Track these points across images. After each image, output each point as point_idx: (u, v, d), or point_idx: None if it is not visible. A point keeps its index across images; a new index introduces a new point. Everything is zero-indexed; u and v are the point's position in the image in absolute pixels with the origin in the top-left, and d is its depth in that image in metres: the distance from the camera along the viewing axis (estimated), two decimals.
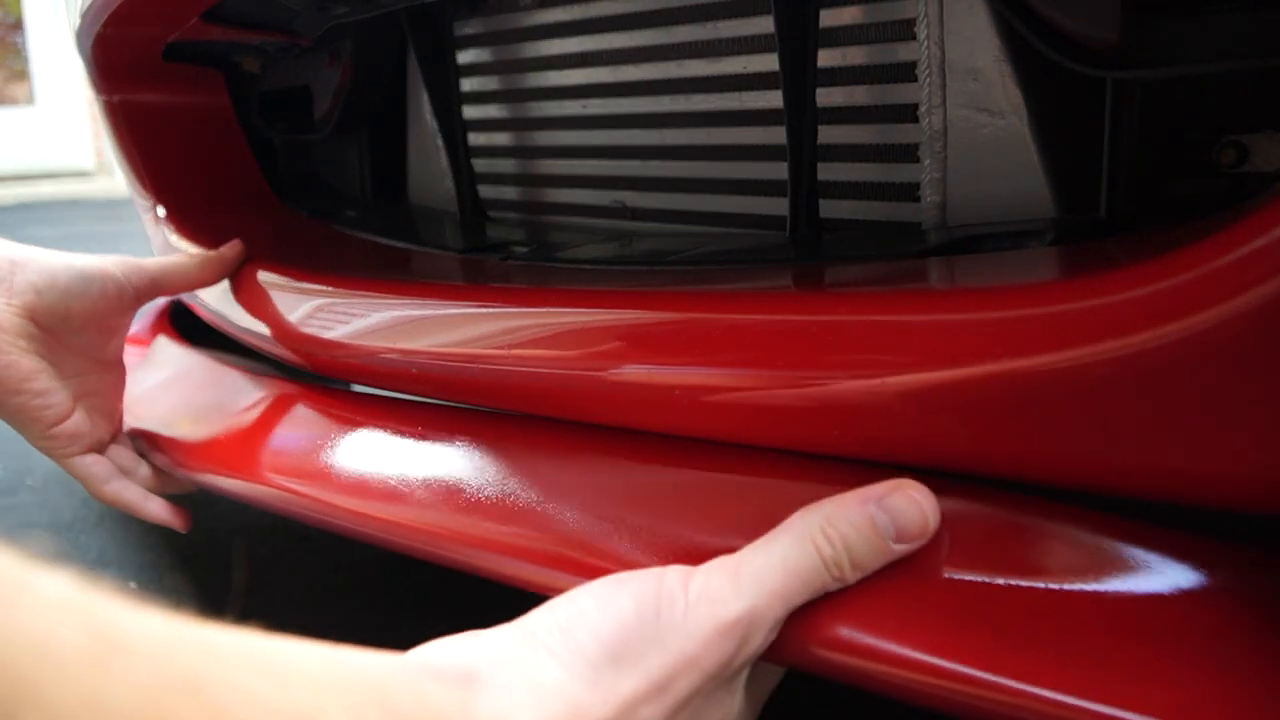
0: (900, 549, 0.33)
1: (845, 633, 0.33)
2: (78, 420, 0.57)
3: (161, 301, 0.91)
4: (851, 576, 0.33)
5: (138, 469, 0.62)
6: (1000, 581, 0.33)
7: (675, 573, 0.33)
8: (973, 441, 0.33)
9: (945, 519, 0.34)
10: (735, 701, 0.34)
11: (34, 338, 0.54)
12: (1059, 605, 0.31)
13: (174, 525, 0.62)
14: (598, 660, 0.29)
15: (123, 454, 0.62)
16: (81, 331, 0.57)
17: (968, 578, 0.33)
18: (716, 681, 0.32)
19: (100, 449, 0.59)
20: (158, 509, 0.61)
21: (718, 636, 0.31)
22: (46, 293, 0.54)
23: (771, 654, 0.34)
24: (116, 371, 0.62)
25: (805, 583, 0.33)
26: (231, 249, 0.65)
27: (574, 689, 0.28)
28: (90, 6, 0.65)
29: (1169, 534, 0.32)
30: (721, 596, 0.32)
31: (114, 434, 0.62)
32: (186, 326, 0.84)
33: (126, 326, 0.61)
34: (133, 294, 0.59)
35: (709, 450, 0.41)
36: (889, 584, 0.34)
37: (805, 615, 0.34)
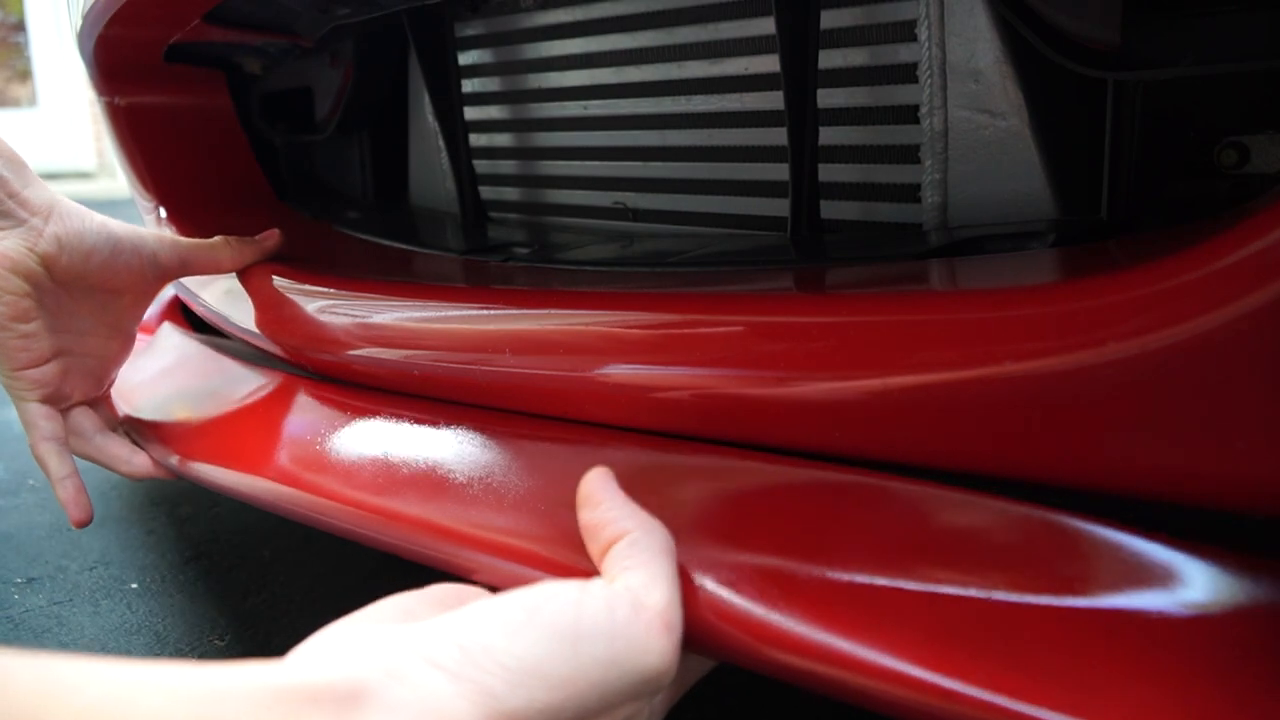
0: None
1: (798, 632, 0.33)
2: (48, 371, 0.57)
3: (171, 291, 0.92)
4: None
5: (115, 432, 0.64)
6: (974, 584, 0.32)
7: (597, 601, 0.31)
8: (973, 442, 0.33)
9: (918, 515, 0.34)
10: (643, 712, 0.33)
11: (43, 286, 0.55)
12: (1028, 610, 0.31)
13: (162, 475, 0.62)
14: (500, 692, 0.27)
15: (103, 415, 0.63)
16: (95, 292, 0.58)
17: (943, 588, 0.33)
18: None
19: (57, 402, 0.59)
20: (144, 462, 0.62)
21: (643, 679, 0.30)
22: (68, 249, 0.55)
23: (714, 651, 0.34)
24: (122, 339, 0.62)
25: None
26: (269, 238, 0.65)
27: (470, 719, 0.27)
28: (92, 8, 0.65)
29: (1160, 537, 0.32)
30: (654, 633, 0.31)
31: (94, 398, 0.63)
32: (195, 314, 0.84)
33: (147, 299, 0.62)
34: (157, 270, 0.60)
35: (712, 450, 0.41)
36: (844, 584, 0.33)
37: (764, 620, 0.33)
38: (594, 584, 0.32)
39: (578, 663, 0.29)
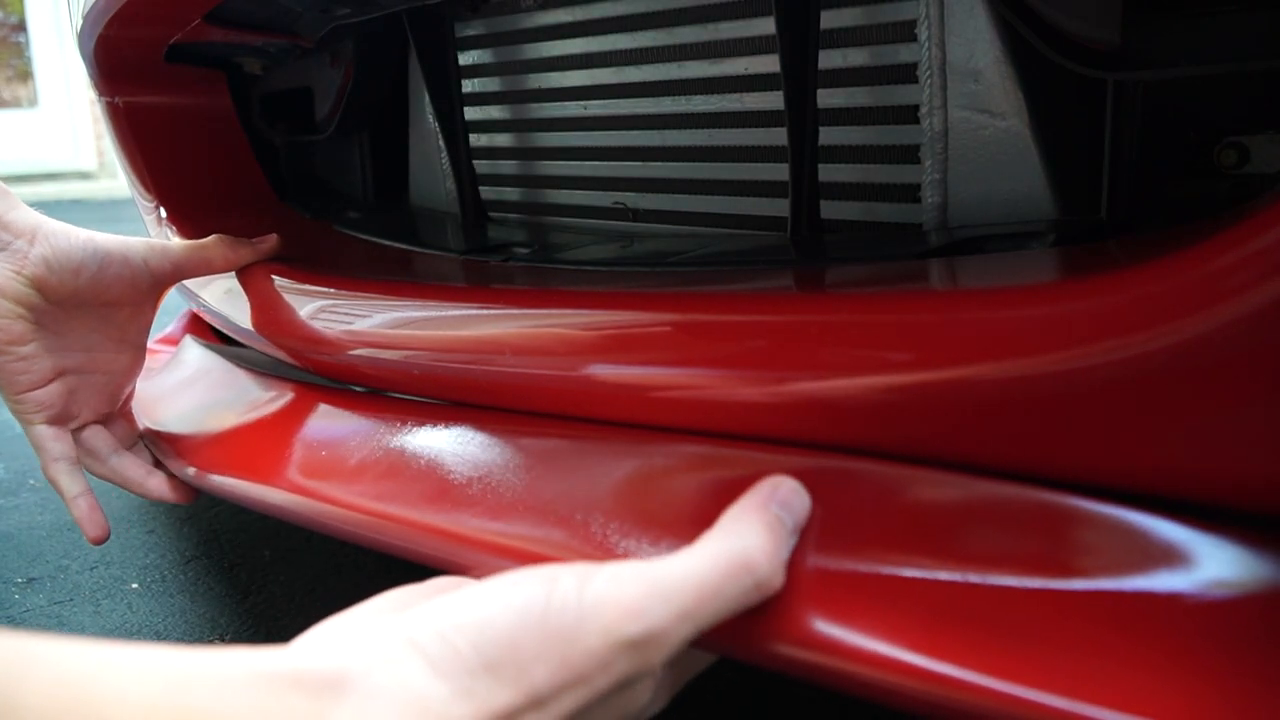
0: (793, 542, 0.34)
1: (801, 627, 0.32)
2: (51, 391, 0.57)
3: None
4: (778, 586, 0.33)
5: (131, 450, 0.63)
6: (976, 570, 0.32)
7: (571, 575, 0.30)
8: (974, 440, 0.33)
9: (915, 502, 0.34)
10: (640, 698, 0.32)
11: (37, 308, 0.55)
12: (1041, 596, 0.31)
13: (178, 499, 0.62)
14: (475, 669, 0.27)
15: (120, 432, 0.63)
16: (90, 308, 0.58)
17: (945, 575, 0.33)
18: (611, 695, 0.30)
19: (64, 422, 0.59)
20: (159, 485, 0.62)
21: (610, 654, 0.29)
22: (56, 268, 0.54)
23: (712, 645, 0.33)
24: (131, 353, 0.62)
25: (723, 607, 0.31)
26: (266, 241, 0.65)
27: (444, 701, 0.27)
28: (92, 8, 0.65)
29: (1170, 524, 0.32)
30: (621, 611, 0.29)
31: (109, 415, 0.62)
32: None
33: (147, 308, 0.62)
34: (150, 278, 0.59)
35: (710, 447, 0.41)
36: (851, 574, 0.33)
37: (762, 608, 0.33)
38: (578, 564, 0.31)
39: (545, 639, 0.28)
